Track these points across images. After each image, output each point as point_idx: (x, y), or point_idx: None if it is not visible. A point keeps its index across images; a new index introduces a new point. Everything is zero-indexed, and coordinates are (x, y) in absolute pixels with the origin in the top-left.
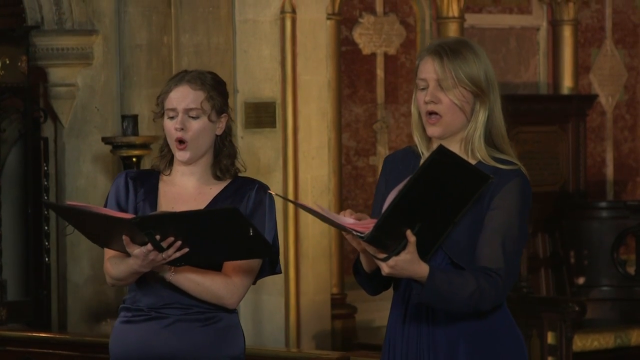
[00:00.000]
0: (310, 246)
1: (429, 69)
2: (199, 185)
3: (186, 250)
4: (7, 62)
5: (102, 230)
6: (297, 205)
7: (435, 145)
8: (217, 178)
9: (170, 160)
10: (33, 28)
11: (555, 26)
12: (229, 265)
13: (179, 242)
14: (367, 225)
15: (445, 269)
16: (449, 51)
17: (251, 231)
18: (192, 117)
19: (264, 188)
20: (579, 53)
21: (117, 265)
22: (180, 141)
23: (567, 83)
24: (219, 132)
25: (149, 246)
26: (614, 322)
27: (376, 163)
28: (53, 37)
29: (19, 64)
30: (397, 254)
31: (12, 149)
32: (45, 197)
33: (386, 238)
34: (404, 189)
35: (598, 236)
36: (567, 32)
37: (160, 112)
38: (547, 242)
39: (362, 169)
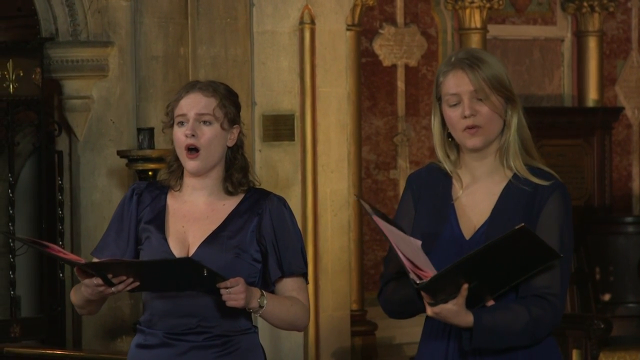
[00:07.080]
0: (329, 261)
1: (461, 82)
2: (211, 200)
3: (137, 284)
4: (21, 74)
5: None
6: (376, 220)
7: (463, 162)
8: (229, 193)
9: (180, 175)
10: (47, 40)
11: (580, 37)
12: (288, 285)
13: (130, 280)
14: (425, 271)
15: (491, 308)
16: (476, 60)
17: (205, 272)
18: (204, 124)
19: (281, 201)
20: (605, 65)
21: (76, 291)
22: (190, 149)
23: (592, 95)
24: (230, 143)
25: (99, 280)
26: None
27: (397, 177)
28: (68, 49)
29: (33, 76)
30: (445, 302)
31: (26, 163)
32: (60, 212)
33: (441, 287)
34: (472, 254)
35: (624, 252)
36: (592, 44)
37: (169, 122)
38: (572, 258)
39: (383, 183)
